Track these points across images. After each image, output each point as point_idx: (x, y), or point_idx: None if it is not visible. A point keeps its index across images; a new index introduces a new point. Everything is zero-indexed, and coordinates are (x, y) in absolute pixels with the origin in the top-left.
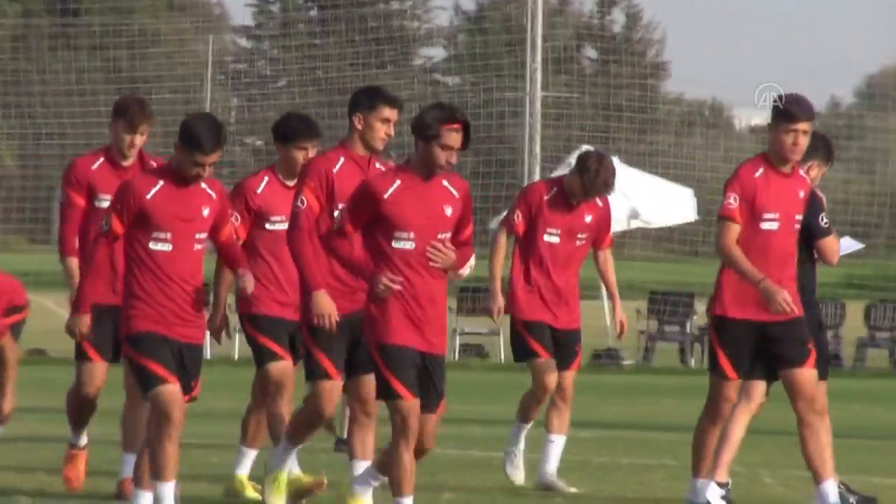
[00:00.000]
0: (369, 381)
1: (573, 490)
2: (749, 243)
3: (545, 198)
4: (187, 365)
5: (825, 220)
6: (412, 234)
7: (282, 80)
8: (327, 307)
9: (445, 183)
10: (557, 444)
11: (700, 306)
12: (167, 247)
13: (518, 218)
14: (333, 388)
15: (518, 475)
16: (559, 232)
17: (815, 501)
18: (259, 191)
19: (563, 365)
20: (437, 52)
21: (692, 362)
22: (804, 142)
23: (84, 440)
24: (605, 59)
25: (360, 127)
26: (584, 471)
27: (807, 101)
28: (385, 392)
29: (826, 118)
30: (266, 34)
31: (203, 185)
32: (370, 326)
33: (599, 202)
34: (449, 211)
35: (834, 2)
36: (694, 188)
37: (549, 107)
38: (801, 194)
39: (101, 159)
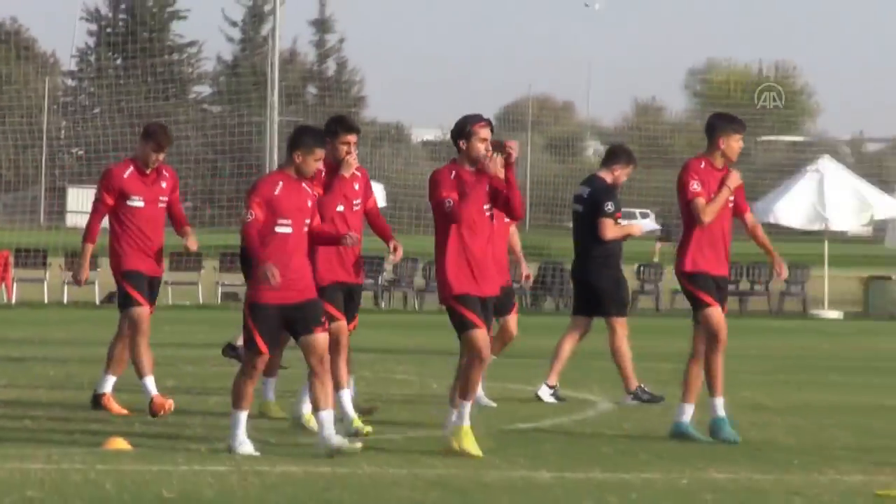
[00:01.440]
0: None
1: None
2: (709, 211)
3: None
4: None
5: (609, 206)
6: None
7: (97, 109)
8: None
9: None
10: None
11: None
12: (289, 230)
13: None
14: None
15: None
16: None
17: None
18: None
19: None
20: (205, 89)
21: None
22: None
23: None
24: (322, 94)
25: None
26: None
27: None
28: (461, 325)
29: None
30: (85, 76)
31: (304, 185)
32: (441, 283)
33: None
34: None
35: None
36: (384, 184)
37: (284, 128)
38: (735, 177)
39: (131, 168)
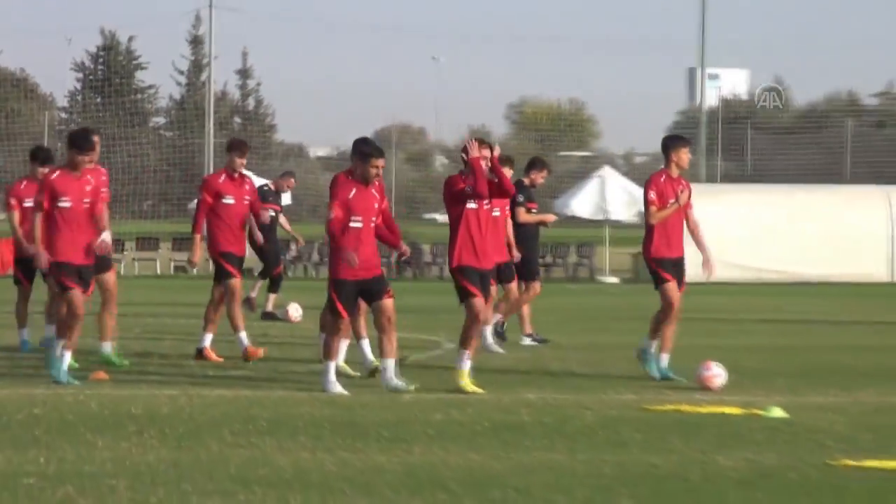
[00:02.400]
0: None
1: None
2: (663, 212)
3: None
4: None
5: (520, 198)
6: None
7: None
8: None
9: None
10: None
11: None
12: (360, 225)
13: None
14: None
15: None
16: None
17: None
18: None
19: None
20: (161, 120)
21: None
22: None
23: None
24: (244, 123)
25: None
26: None
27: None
28: (463, 293)
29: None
30: (74, 111)
31: (372, 189)
32: (450, 258)
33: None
34: None
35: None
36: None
37: (217, 147)
38: (683, 188)
39: (224, 175)
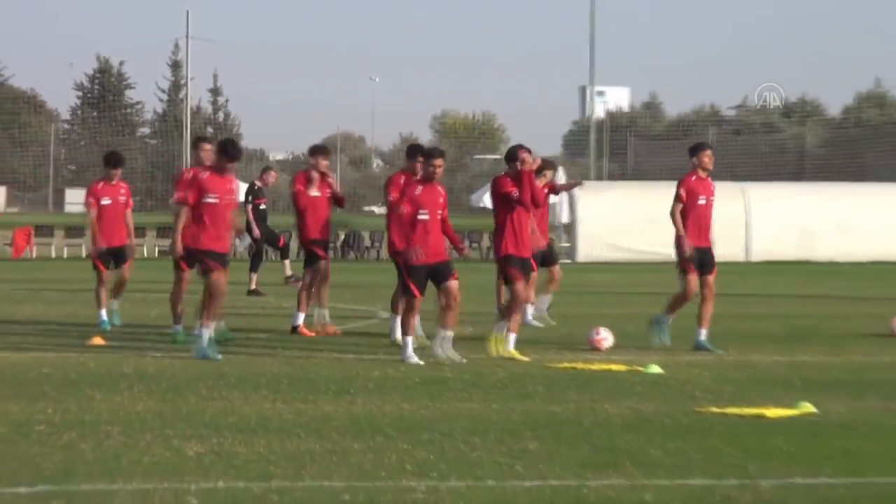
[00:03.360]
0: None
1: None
2: (693, 209)
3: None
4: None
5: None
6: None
7: (82, 142)
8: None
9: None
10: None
11: None
12: (427, 217)
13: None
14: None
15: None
16: None
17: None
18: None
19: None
20: (146, 130)
21: None
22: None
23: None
24: (215, 132)
25: (420, 165)
26: None
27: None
28: (508, 278)
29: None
30: (75, 123)
31: (438, 186)
32: (496, 248)
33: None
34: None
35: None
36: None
37: (193, 153)
38: (712, 188)
39: (314, 173)
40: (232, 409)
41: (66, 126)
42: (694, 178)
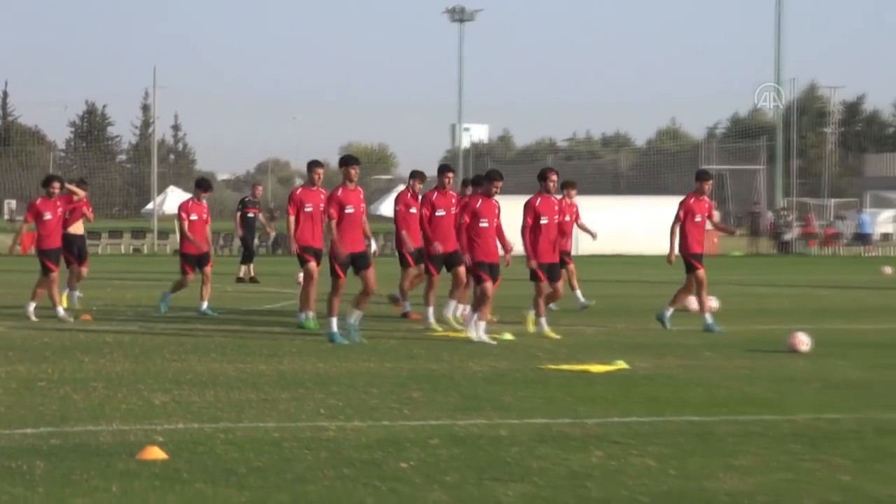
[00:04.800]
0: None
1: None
2: (689, 227)
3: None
4: None
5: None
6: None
7: (74, 166)
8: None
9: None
10: None
11: None
12: (486, 225)
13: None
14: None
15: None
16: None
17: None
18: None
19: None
20: (123, 157)
21: None
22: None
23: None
24: (176, 159)
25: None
26: None
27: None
28: (534, 277)
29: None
30: (69, 151)
31: (493, 200)
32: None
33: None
34: None
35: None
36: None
37: (159, 177)
38: (707, 205)
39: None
40: (189, 368)
41: (62, 154)
42: (693, 199)
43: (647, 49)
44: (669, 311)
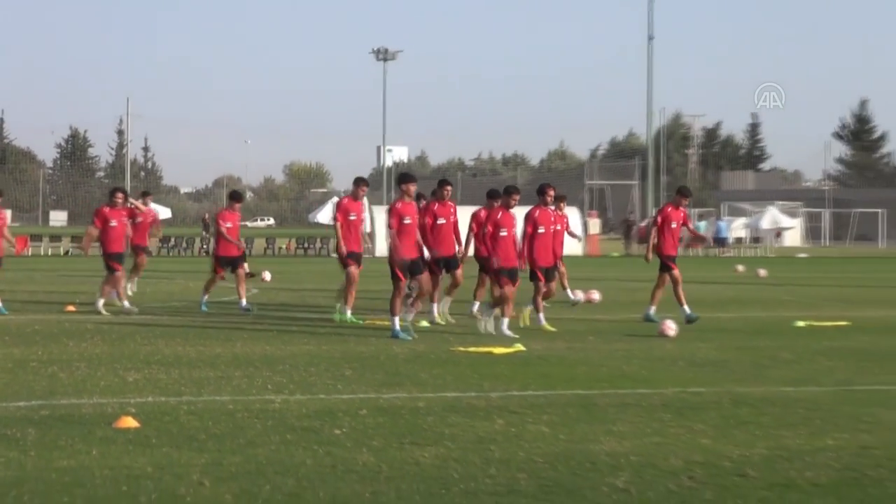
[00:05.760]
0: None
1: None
2: (666, 232)
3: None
4: None
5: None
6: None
7: (60, 181)
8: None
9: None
10: None
11: None
12: (506, 234)
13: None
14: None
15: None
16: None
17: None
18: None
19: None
20: (102, 174)
21: None
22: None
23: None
24: (146, 175)
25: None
26: None
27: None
28: (533, 277)
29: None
30: (55, 168)
31: (510, 211)
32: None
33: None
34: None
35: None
36: (170, 208)
37: (132, 190)
38: (682, 214)
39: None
40: (157, 351)
41: (50, 171)
42: (670, 208)
43: (539, 83)
44: (652, 309)
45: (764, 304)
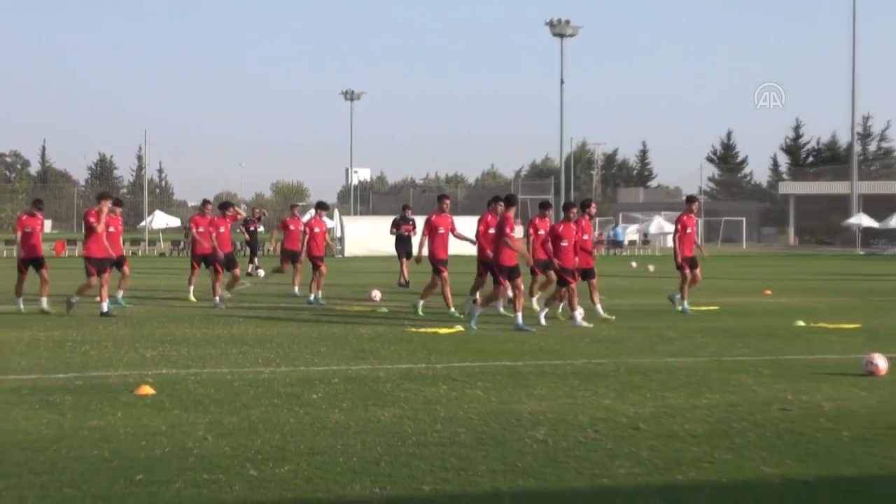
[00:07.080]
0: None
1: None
2: (685, 235)
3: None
4: None
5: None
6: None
7: (91, 197)
8: None
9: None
10: None
11: None
12: (566, 244)
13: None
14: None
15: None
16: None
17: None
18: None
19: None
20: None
21: None
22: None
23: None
24: (160, 193)
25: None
26: None
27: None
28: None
29: None
30: (87, 187)
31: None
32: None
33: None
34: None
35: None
36: (178, 216)
37: (150, 203)
38: (694, 222)
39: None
40: (169, 332)
41: (82, 189)
42: (686, 216)
43: (474, 117)
44: (685, 301)
45: (652, 293)
